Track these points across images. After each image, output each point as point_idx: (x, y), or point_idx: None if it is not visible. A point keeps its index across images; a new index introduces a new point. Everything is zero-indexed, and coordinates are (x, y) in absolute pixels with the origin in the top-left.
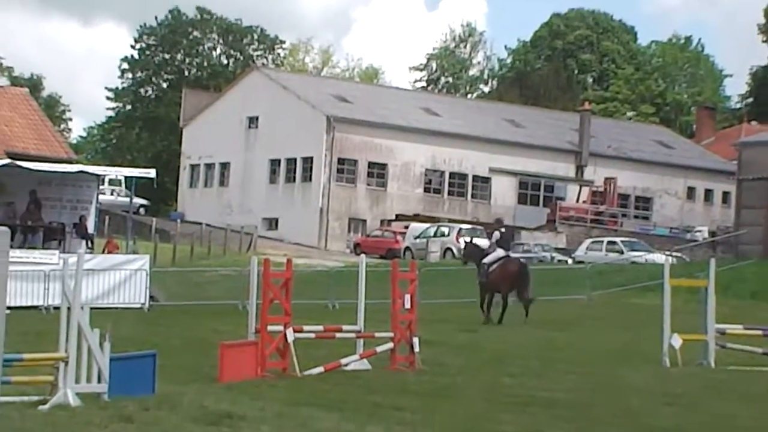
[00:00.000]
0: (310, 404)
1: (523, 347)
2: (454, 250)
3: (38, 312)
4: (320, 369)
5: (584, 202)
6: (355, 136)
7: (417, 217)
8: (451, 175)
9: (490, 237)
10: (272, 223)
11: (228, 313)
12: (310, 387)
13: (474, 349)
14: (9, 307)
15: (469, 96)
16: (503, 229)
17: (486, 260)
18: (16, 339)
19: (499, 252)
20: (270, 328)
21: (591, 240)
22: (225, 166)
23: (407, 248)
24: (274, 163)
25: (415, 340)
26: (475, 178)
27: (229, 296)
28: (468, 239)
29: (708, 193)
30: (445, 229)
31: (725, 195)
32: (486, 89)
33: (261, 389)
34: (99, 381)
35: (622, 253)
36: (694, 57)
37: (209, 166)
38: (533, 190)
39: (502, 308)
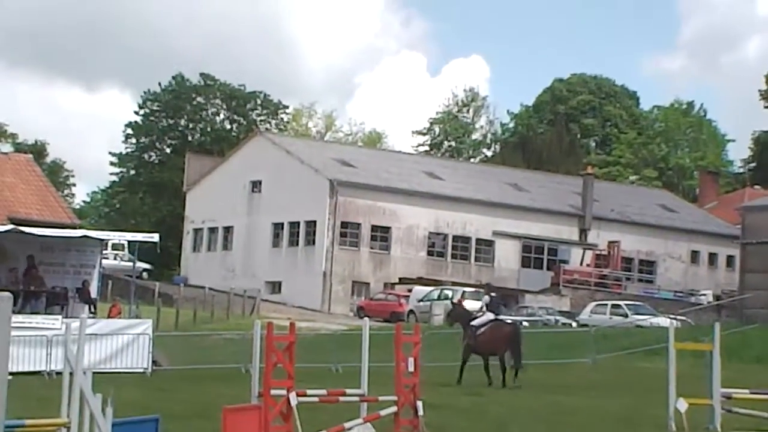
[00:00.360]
0: None
1: (529, 411)
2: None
3: (40, 377)
4: None
5: (588, 265)
6: (358, 200)
7: (420, 281)
8: (455, 238)
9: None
10: (275, 287)
11: (232, 377)
12: None
13: (479, 412)
14: (11, 373)
15: (472, 160)
16: (493, 294)
17: (475, 323)
18: (18, 405)
19: (489, 315)
20: (273, 392)
21: (595, 303)
22: (228, 230)
23: (411, 311)
24: (278, 227)
25: (419, 403)
26: (479, 241)
27: (233, 360)
28: (456, 300)
29: (712, 257)
30: (449, 292)
31: (729, 259)
32: (489, 153)
33: None
34: None
35: (626, 316)
36: (697, 121)
37: (212, 230)
38: (537, 254)
39: (501, 371)
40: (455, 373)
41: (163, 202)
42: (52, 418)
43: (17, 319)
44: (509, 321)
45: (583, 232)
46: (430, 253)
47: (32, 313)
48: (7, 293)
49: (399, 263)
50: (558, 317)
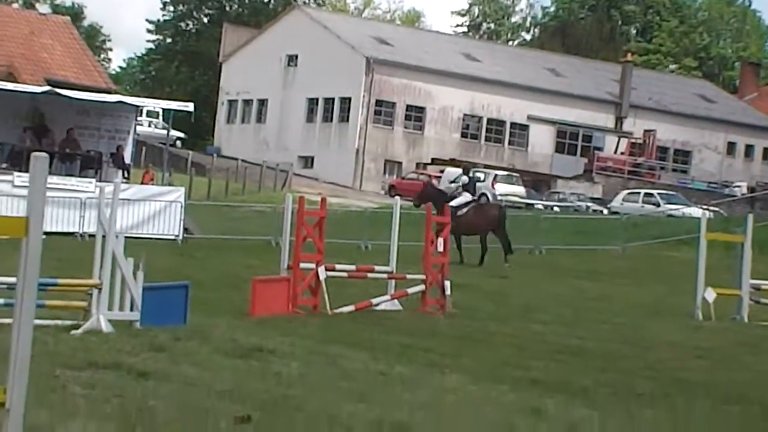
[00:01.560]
0: (340, 342)
1: (555, 296)
2: (489, 196)
3: (74, 239)
4: (351, 308)
5: (622, 153)
6: (394, 79)
7: (453, 162)
8: (489, 121)
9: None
10: (308, 162)
11: (261, 249)
12: (340, 325)
13: (505, 295)
14: (45, 233)
15: (510, 43)
16: (471, 174)
17: (453, 204)
18: (52, 264)
19: (466, 196)
20: (303, 265)
21: (627, 191)
22: (263, 103)
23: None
24: (312, 102)
25: (447, 283)
26: (513, 125)
27: (263, 232)
28: (431, 181)
29: (749, 149)
30: (481, 175)
31: (766, 151)
32: (527, 37)
33: (292, 325)
34: (131, 309)
35: (658, 205)
36: (741, 12)
37: (247, 103)
38: (571, 140)
39: (482, 250)
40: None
41: (198, 72)
42: (84, 278)
43: (52, 180)
44: (492, 203)
45: (619, 119)
46: (464, 135)
47: (67, 176)
48: (43, 153)
49: (432, 144)
50: (589, 204)
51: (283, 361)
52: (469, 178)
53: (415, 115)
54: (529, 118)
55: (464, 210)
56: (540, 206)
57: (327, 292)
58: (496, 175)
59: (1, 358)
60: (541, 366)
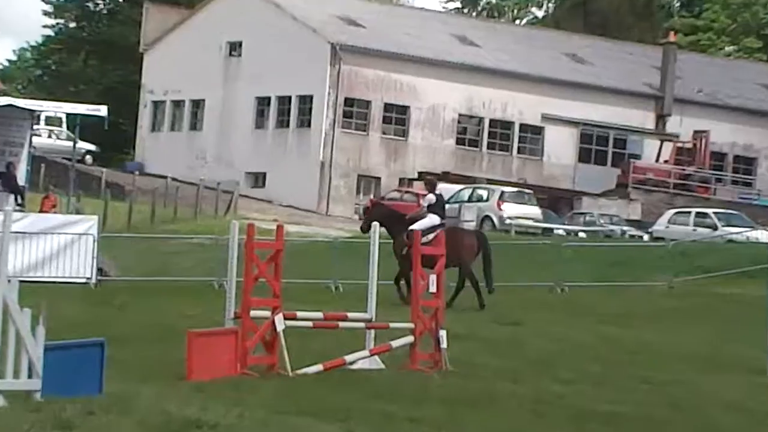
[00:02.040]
0: (304, 413)
1: (581, 347)
2: (495, 220)
3: None
4: (318, 367)
5: (666, 161)
6: (367, 70)
7: (447, 176)
8: (492, 123)
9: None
10: (258, 180)
11: (199, 293)
12: (304, 390)
13: (516, 346)
14: None
15: (517, 22)
16: (438, 193)
17: (416, 227)
18: None
19: (433, 218)
20: (254, 313)
21: (674, 211)
22: (198, 104)
23: None
24: (262, 103)
25: (442, 333)
26: (524, 127)
27: (202, 272)
28: (376, 198)
29: None
30: (484, 193)
31: None
32: (539, 14)
33: (240, 391)
34: (30, 376)
35: (715, 228)
36: None
37: (177, 104)
38: (599, 145)
39: (474, 286)
40: (488, 296)
41: (112, 65)
42: None
43: None
44: (470, 228)
45: (660, 118)
46: (460, 142)
47: None
48: None
49: (419, 153)
50: (625, 227)
51: None
52: (437, 196)
53: (397, 116)
54: (544, 118)
55: (431, 236)
56: (561, 232)
57: (286, 347)
58: (502, 193)
59: None
60: None
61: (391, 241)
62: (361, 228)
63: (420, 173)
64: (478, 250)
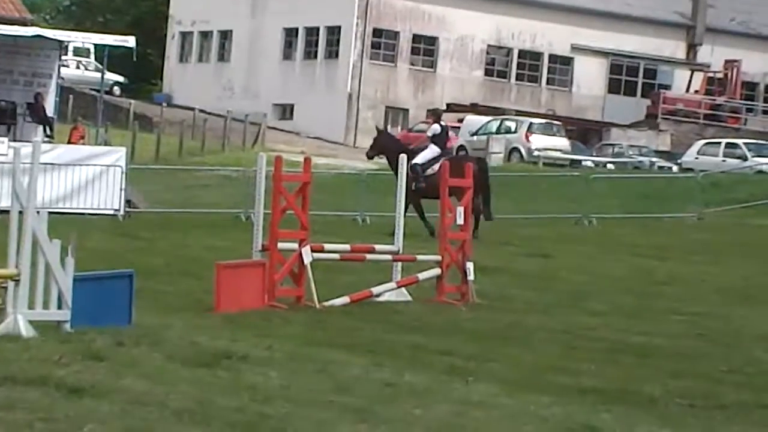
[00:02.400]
0: (332, 344)
1: (612, 279)
2: (523, 151)
3: None
4: (345, 299)
5: (696, 91)
6: (396, 1)
7: (475, 108)
8: (521, 53)
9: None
10: (286, 111)
11: (227, 226)
12: (331, 322)
13: (547, 279)
14: None
15: None
16: (443, 124)
17: (418, 159)
18: None
19: (434, 149)
20: (281, 245)
21: (704, 142)
22: (225, 35)
23: (461, 147)
24: (290, 34)
25: (469, 265)
26: (553, 58)
27: (229, 204)
28: (380, 127)
29: None
30: (512, 124)
31: None
32: None
33: (269, 323)
34: (59, 306)
35: (745, 159)
36: None
37: (205, 35)
38: (629, 76)
39: (475, 217)
40: (517, 228)
41: None
42: None
43: None
44: (467, 155)
45: (691, 47)
46: (488, 73)
47: None
48: None
49: (447, 84)
50: (654, 159)
51: (259, 370)
52: (442, 127)
53: (425, 47)
54: (574, 48)
55: (436, 167)
56: (589, 163)
57: (314, 279)
58: (531, 124)
59: None
60: (594, 370)
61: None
62: (367, 154)
63: (449, 104)
64: (481, 177)
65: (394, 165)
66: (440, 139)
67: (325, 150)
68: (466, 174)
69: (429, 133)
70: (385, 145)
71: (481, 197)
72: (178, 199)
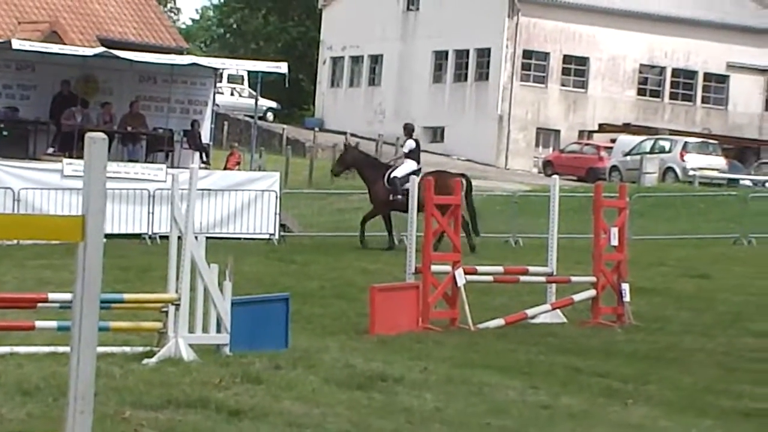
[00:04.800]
0: (487, 366)
1: None
2: (678, 171)
3: (141, 242)
4: (500, 321)
5: None
6: (546, 22)
7: (628, 128)
8: (675, 72)
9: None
10: (437, 134)
11: (379, 249)
12: (486, 344)
13: (704, 300)
14: (106, 235)
15: None
16: (416, 138)
17: (397, 173)
18: (116, 275)
19: (410, 164)
20: (435, 267)
21: None
22: (376, 59)
23: (614, 168)
24: (440, 57)
25: (625, 286)
26: (707, 76)
27: (381, 227)
28: (352, 143)
29: None
30: (666, 144)
31: None
32: None
33: (423, 346)
34: (218, 330)
35: None
36: None
37: (356, 60)
38: None
39: (466, 232)
40: (672, 249)
41: (292, 21)
42: (157, 292)
43: (111, 168)
44: (450, 172)
45: None
46: (641, 92)
47: (130, 161)
48: (100, 134)
49: (599, 105)
50: None
51: (414, 393)
52: (417, 142)
53: (576, 68)
54: (729, 66)
55: (414, 182)
56: (747, 182)
57: (467, 302)
58: (686, 143)
59: (57, 396)
60: (757, 393)
61: (573, 194)
62: (333, 171)
63: (601, 125)
64: (467, 192)
65: (364, 177)
66: (415, 154)
67: (476, 172)
68: (454, 190)
69: (405, 149)
70: (355, 161)
71: (469, 211)
72: (331, 222)
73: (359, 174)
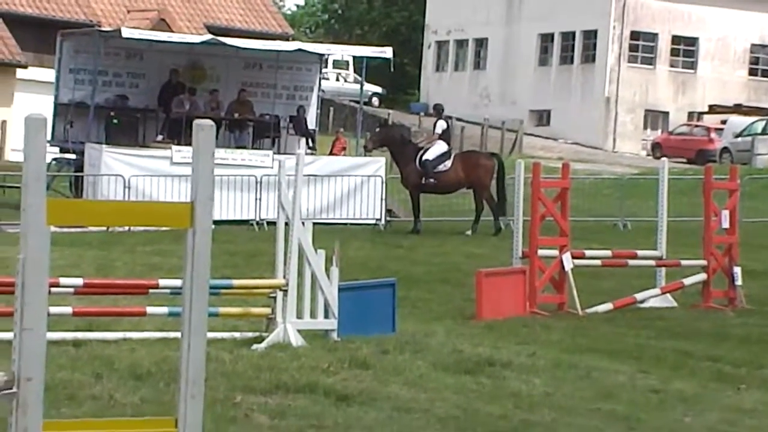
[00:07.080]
0: (595, 351)
1: None
2: None
3: (249, 228)
4: (608, 306)
5: None
6: (653, 2)
7: (739, 109)
8: None
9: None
10: (543, 118)
11: (485, 233)
12: (595, 329)
13: None
14: (213, 221)
15: None
16: (450, 118)
17: (428, 155)
18: (224, 261)
19: (441, 145)
20: (541, 252)
21: None
22: (481, 43)
23: (725, 149)
24: (545, 39)
25: (737, 269)
26: None
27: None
28: (388, 120)
29: None
30: None
31: None
32: None
33: (531, 330)
34: (326, 316)
35: None
36: None
37: (460, 44)
38: None
39: (493, 213)
40: None
41: (396, 6)
42: (265, 278)
43: (219, 154)
44: (479, 151)
45: None
46: (752, 72)
47: (237, 148)
48: (208, 121)
49: (709, 86)
50: None
51: (523, 377)
52: (448, 123)
53: (685, 48)
54: None
55: (448, 163)
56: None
57: (575, 286)
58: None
59: (168, 381)
60: None
61: (682, 177)
62: (365, 148)
63: (711, 106)
64: (495, 172)
65: (396, 158)
66: (446, 135)
67: (583, 155)
68: (483, 168)
69: (438, 130)
70: (390, 139)
71: (499, 193)
72: (436, 207)
73: (391, 154)
